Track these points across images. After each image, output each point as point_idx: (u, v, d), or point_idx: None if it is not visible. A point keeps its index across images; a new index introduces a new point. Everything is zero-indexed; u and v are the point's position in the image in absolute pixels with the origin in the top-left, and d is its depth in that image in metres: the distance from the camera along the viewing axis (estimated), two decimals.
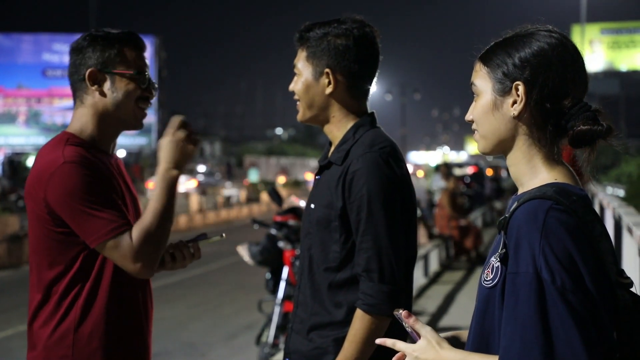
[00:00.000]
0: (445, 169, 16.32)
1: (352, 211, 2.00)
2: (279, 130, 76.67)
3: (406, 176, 2.07)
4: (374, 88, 2.28)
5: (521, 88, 1.43)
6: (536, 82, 1.42)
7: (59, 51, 35.73)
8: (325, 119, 2.14)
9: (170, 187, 2.07)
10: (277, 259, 6.15)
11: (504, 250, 1.36)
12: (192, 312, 8.75)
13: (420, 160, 75.47)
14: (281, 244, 6.10)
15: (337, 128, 2.14)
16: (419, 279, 9.55)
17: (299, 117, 2.18)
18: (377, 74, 2.18)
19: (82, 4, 19.48)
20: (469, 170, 23.94)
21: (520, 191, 1.46)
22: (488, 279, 1.41)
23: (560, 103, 1.42)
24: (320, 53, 2.10)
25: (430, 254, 10.43)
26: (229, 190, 29.68)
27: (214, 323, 8.04)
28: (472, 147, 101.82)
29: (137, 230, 2.00)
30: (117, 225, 1.98)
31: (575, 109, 1.43)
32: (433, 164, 31.71)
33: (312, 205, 2.10)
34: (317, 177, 2.18)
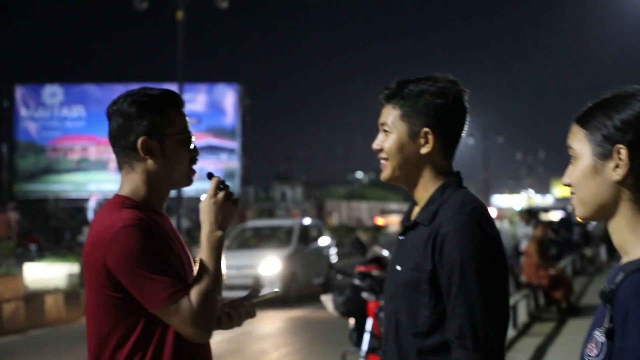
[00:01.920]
0: (526, 215, 15.92)
1: (443, 274, 1.93)
2: (359, 174, 76.84)
3: (498, 238, 2.00)
4: None
5: (624, 152, 1.37)
6: None
7: None
8: (414, 179, 2.10)
9: (217, 248, 2.05)
10: (361, 310, 6.05)
11: (610, 324, 1.30)
12: None
13: (504, 203, 73.92)
14: (365, 294, 6.01)
15: (425, 188, 2.08)
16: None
17: (385, 176, 2.12)
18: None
19: (170, 54, 20.25)
20: (556, 215, 23.21)
21: (624, 260, 1.39)
22: (592, 354, 1.34)
23: None
24: (418, 111, 2.05)
25: (518, 305, 10.08)
26: None
27: None
28: (558, 190, 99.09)
29: (195, 294, 1.98)
30: (176, 289, 1.96)
31: None
32: (517, 207, 30.94)
33: (399, 267, 2.04)
34: (400, 237, 2.12)
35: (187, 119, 2.16)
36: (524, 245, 13.61)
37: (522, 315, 10.41)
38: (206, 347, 2.14)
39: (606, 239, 19.78)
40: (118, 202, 2.08)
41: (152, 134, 2.08)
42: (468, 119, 2.12)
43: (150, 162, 2.10)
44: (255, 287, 2.41)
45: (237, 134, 38.52)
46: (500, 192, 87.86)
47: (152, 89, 2.15)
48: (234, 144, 38.41)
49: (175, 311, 1.95)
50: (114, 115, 2.13)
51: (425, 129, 2.05)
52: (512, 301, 9.75)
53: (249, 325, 10.57)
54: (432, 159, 2.07)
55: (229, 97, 38.61)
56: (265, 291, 2.22)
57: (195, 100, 38.03)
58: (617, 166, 1.37)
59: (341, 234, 31.40)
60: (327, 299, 6.18)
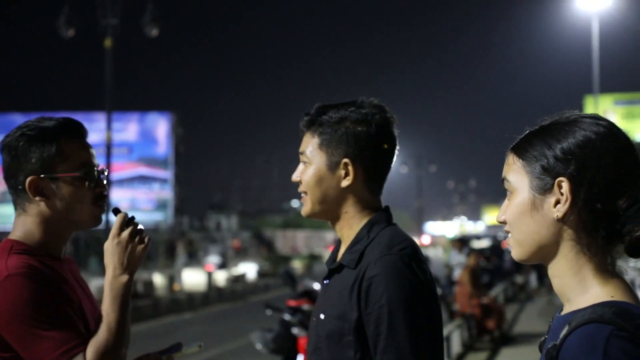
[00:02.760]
0: (459, 243, 16.03)
1: (370, 324, 1.74)
2: (295, 203, 76.75)
3: (430, 281, 1.82)
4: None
5: (565, 185, 1.21)
6: (584, 178, 1.21)
7: None
8: (337, 215, 1.90)
9: (122, 296, 1.83)
10: (291, 347, 5.86)
11: None
12: None
13: (437, 231, 74.91)
14: (295, 330, 5.83)
15: (349, 225, 1.89)
16: None
17: (305, 211, 1.93)
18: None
19: (99, 82, 19.75)
20: (488, 242, 23.54)
21: (566, 309, 1.24)
22: None
23: (614, 203, 1.21)
24: (337, 140, 1.86)
25: (452, 335, 10.05)
26: (244, 266, 29.36)
27: None
28: (489, 217, 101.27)
29: (91, 351, 1.75)
30: (69, 347, 1.73)
31: (632, 210, 1.20)
32: (450, 234, 31.30)
33: (322, 316, 1.84)
34: (325, 281, 1.91)
35: (91, 150, 1.93)
36: (457, 273, 13.65)
37: (456, 346, 10.39)
38: None
39: (536, 266, 20.12)
40: (7, 247, 1.84)
41: (42, 172, 1.86)
42: (396, 149, 1.94)
43: (42, 204, 1.87)
44: (177, 341, 2.15)
45: (170, 163, 37.97)
46: (434, 219, 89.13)
47: (48, 119, 1.91)
48: (167, 174, 37.82)
49: None
50: (3, 151, 1.90)
51: (345, 160, 1.87)
52: (445, 331, 9.72)
53: None
54: (355, 192, 1.88)
55: (161, 126, 38.10)
56: (188, 345, 2.00)
57: (127, 130, 37.37)
58: (557, 202, 1.22)
59: (277, 263, 31.11)
60: (255, 336, 5.97)
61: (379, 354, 1.73)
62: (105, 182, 1.95)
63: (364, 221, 1.87)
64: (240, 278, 26.09)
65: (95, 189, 1.90)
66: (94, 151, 1.94)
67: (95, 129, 33.55)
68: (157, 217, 37.61)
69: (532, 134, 1.29)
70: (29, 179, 1.85)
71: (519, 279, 19.90)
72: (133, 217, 1.90)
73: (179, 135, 40.50)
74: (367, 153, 1.87)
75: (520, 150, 1.28)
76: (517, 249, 1.27)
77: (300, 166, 1.93)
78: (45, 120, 1.91)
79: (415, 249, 1.82)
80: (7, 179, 1.89)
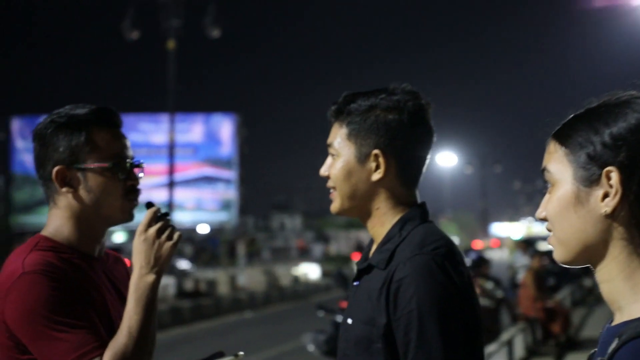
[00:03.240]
0: (524, 245, 15.61)
1: (399, 330, 1.60)
2: None
3: (467, 284, 1.66)
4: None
5: (615, 176, 1.06)
6: (636, 167, 1.06)
7: (143, 130, 36.99)
8: (368, 211, 1.76)
9: (148, 297, 1.70)
10: None
11: None
12: None
13: (503, 232, 73.54)
14: None
15: (381, 223, 1.74)
16: None
17: (334, 208, 1.79)
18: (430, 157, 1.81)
19: (162, 84, 20.13)
20: None
21: (617, 319, 1.08)
22: None
23: None
24: (366, 130, 1.73)
25: (515, 339, 9.75)
26: (306, 266, 29.39)
27: None
28: None
29: (108, 356, 1.63)
30: (84, 351, 1.62)
31: None
32: (516, 236, 30.68)
33: (350, 321, 1.71)
34: (354, 283, 1.78)
35: (124, 141, 1.83)
36: (521, 276, 13.29)
37: (519, 350, 10.09)
38: None
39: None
40: (32, 243, 1.76)
41: (70, 162, 1.77)
42: (433, 138, 1.78)
43: (70, 196, 1.78)
44: (219, 349, 2.04)
45: (234, 163, 38.35)
46: (499, 220, 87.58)
47: (81, 106, 1.82)
48: (231, 174, 38.22)
49: None
50: (34, 139, 1.82)
51: (375, 151, 1.73)
52: (508, 336, 9.45)
53: None
54: (388, 187, 1.74)
55: (225, 127, 38.53)
56: (228, 354, 1.90)
57: (192, 131, 37.94)
58: (606, 195, 1.07)
59: (339, 263, 31.05)
60: (308, 337, 5.88)
61: None
62: (140, 175, 1.85)
63: (397, 218, 1.73)
64: (302, 278, 26.11)
65: (126, 182, 1.80)
66: (127, 142, 1.85)
67: (160, 130, 34.18)
68: (221, 217, 38.04)
69: (577, 118, 1.13)
70: (56, 168, 1.77)
71: (587, 281, 19.28)
72: (166, 213, 1.79)
73: (243, 136, 40.83)
74: (400, 143, 1.73)
75: (563, 137, 1.13)
76: (559, 249, 1.12)
77: (329, 159, 1.80)
78: (77, 107, 1.82)
79: (450, 249, 1.67)
80: (37, 168, 1.82)
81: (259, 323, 16.08)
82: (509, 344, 9.39)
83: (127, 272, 1.92)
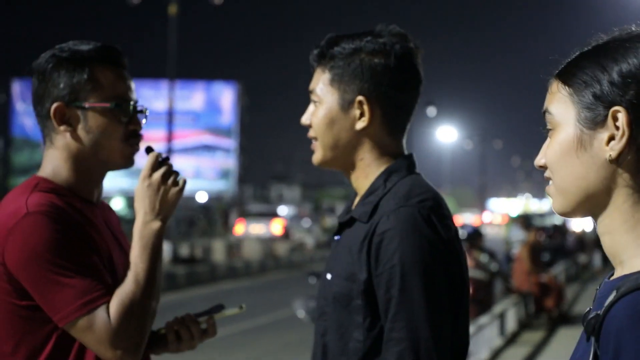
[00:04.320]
0: (524, 220, 15.63)
1: (380, 287, 1.53)
2: None
3: (454, 239, 1.58)
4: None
5: (622, 116, 0.96)
6: None
7: (144, 97, 36.65)
8: (351, 162, 1.67)
9: (153, 245, 1.65)
10: None
11: None
12: None
13: (500, 208, 73.64)
14: None
15: (365, 174, 1.66)
16: (494, 339, 8.93)
17: (316, 159, 1.71)
18: (417, 105, 1.72)
19: (164, 50, 19.97)
20: (551, 221, 22.96)
21: (617, 273, 0.99)
22: None
23: None
24: (350, 75, 1.63)
25: (507, 312, 9.79)
26: (303, 235, 29.46)
27: None
28: None
29: (115, 304, 1.58)
30: (91, 297, 1.56)
31: None
32: (514, 213, 30.69)
33: (329, 276, 1.64)
34: (335, 237, 1.71)
35: (129, 83, 1.74)
36: (517, 250, 13.33)
37: (511, 324, 10.13)
38: None
39: (601, 245, 19.45)
40: (32, 184, 1.66)
41: (70, 100, 1.68)
42: (421, 85, 1.69)
43: (69, 137, 1.69)
44: (219, 302, 2.01)
45: (235, 132, 38.21)
46: (497, 196, 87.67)
47: (85, 42, 1.73)
48: (231, 143, 38.10)
49: (87, 326, 1.55)
50: (33, 74, 1.73)
51: (359, 98, 1.62)
52: (501, 308, 9.48)
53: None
54: (372, 136, 1.65)
55: (226, 96, 38.33)
56: (230, 306, 1.86)
57: (192, 98, 37.77)
58: (611, 138, 0.97)
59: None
60: (298, 304, 5.89)
61: (389, 320, 1.52)
62: (143, 120, 1.77)
63: (382, 169, 1.64)
64: (299, 247, 26.20)
65: (128, 125, 1.72)
66: (132, 84, 1.75)
67: (160, 97, 33.98)
68: (220, 185, 38.01)
69: (583, 56, 1.03)
70: (54, 105, 1.68)
71: (582, 258, 19.34)
72: (167, 157, 1.73)
73: (244, 105, 40.67)
74: (385, 89, 1.63)
75: (567, 75, 1.02)
76: (558, 198, 1.03)
77: (310, 107, 1.70)
78: (82, 43, 1.73)
79: (437, 201, 1.59)
80: (35, 105, 1.74)
81: (254, 290, 16.15)
82: (502, 316, 9.42)
83: (118, 221, 1.89)
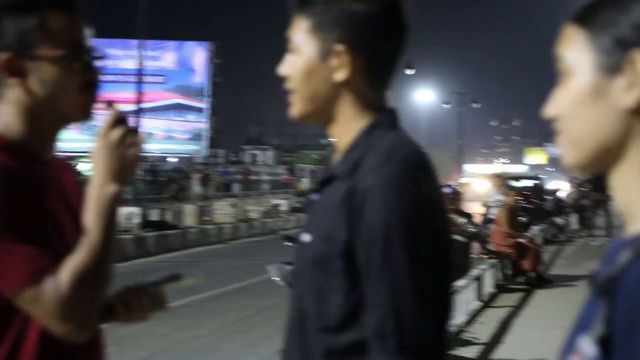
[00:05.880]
0: (499, 180, 15.54)
1: (362, 248, 1.41)
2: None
3: (439, 198, 1.48)
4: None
5: None
6: None
7: (113, 56, 35.98)
8: (331, 116, 1.56)
9: (108, 209, 1.52)
10: None
11: (607, 329, 0.85)
12: (224, 332, 8.32)
13: (477, 172, 74.35)
14: None
15: (346, 129, 1.54)
16: (470, 301, 8.81)
17: (294, 113, 1.59)
18: (403, 57, 1.58)
19: (134, 9, 19.36)
20: (528, 183, 23.00)
21: (631, 230, 0.92)
22: None
23: None
24: (329, 23, 1.52)
25: (485, 274, 9.69)
26: (277, 199, 29.30)
27: (246, 346, 7.56)
28: (532, 159, 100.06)
29: (65, 273, 1.46)
30: (38, 267, 1.45)
31: None
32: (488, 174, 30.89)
33: (306, 238, 1.52)
34: (314, 196, 1.59)
35: (84, 28, 1.63)
36: (494, 212, 13.24)
37: (488, 286, 10.07)
38: (94, 338, 1.59)
39: (578, 207, 19.59)
40: None
41: (19, 50, 1.56)
42: (406, 35, 1.56)
43: (21, 88, 1.58)
44: (175, 272, 1.85)
45: (206, 94, 37.69)
46: (475, 160, 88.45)
47: None
48: (203, 104, 37.62)
49: (35, 297, 1.45)
50: None
51: (339, 47, 1.51)
52: (477, 271, 9.36)
53: None
54: (353, 88, 1.53)
55: (198, 56, 37.76)
56: (186, 276, 1.80)
57: (163, 58, 37.14)
58: (630, 85, 0.90)
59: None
60: (273, 268, 5.63)
61: (370, 284, 1.41)
62: (100, 69, 1.65)
63: (364, 124, 1.53)
64: (272, 212, 26.01)
65: (84, 75, 1.61)
66: (87, 31, 1.64)
67: (131, 57, 33.29)
68: (192, 148, 37.59)
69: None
70: (2, 56, 1.56)
71: (560, 220, 19.42)
72: (128, 116, 1.60)
73: (216, 66, 40.07)
74: (367, 38, 1.51)
75: (583, 18, 0.96)
76: (571, 151, 0.96)
77: (288, 57, 1.57)
78: None
79: (422, 159, 1.49)
80: None
81: (226, 255, 15.95)
82: (479, 279, 9.34)
83: (76, 182, 1.75)
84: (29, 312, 1.48)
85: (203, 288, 10.32)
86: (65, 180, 1.69)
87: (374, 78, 1.54)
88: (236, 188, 37.06)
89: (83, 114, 1.63)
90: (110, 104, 1.60)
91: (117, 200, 1.55)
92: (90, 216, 1.52)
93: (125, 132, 1.56)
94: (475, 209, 11.92)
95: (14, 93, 1.59)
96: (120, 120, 1.57)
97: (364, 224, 1.41)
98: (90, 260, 1.48)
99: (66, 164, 1.74)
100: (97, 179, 1.54)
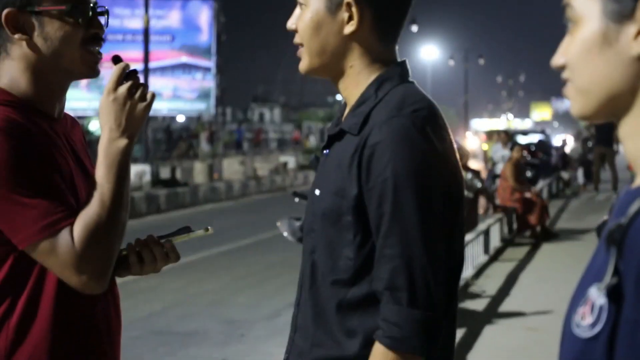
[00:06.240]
0: (505, 136, 15.53)
1: (372, 202, 1.43)
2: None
3: (450, 151, 1.48)
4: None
5: None
6: None
7: (119, 15, 35.72)
8: (340, 69, 1.56)
9: (119, 163, 1.54)
10: None
11: (617, 279, 0.83)
12: (235, 286, 8.44)
13: (483, 128, 74.01)
14: None
15: (355, 83, 1.55)
16: (478, 256, 8.94)
17: (303, 67, 1.59)
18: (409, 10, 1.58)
19: None
20: (535, 138, 22.95)
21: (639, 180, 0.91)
22: (584, 323, 0.85)
23: None
24: None
25: (491, 229, 9.78)
26: (285, 156, 29.35)
27: (257, 299, 7.69)
28: (538, 114, 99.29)
29: (79, 227, 1.48)
30: (53, 219, 1.46)
31: None
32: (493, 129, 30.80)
33: (317, 192, 1.54)
34: (324, 152, 1.59)
35: None
36: (500, 167, 13.27)
37: (495, 240, 10.16)
38: (108, 291, 1.61)
39: (584, 162, 19.57)
40: None
41: (22, 4, 1.56)
42: None
43: (24, 44, 1.58)
44: (186, 224, 1.84)
45: (213, 52, 37.44)
46: (480, 116, 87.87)
47: None
48: (209, 63, 37.39)
49: (50, 250, 1.46)
50: None
51: (348, 0, 1.52)
52: (484, 225, 9.46)
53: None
54: (362, 41, 1.53)
55: (203, 14, 37.39)
56: (196, 229, 1.79)
57: (168, 17, 36.82)
58: None
59: (318, 155, 31.07)
60: (283, 224, 5.74)
61: (381, 237, 1.43)
62: (104, 23, 1.64)
63: (373, 77, 1.53)
64: (281, 169, 26.08)
65: (88, 29, 1.61)
66: None
67: (136, 16, 33.05)
68: (199, 106, 37.48)
69: None
70: (5, 11, 1.56)
71: (565, 174, 19.42)
72: (135, 71, 1.60)
73: (221, 24, 39.72)
74: None
75: None
76: (579, 100, 0.94)
77: (297, 10, 1.58)
78: None
79: (432, 111, 1.49)
80: None
81: (236, 212, 16.09)
82: (486, 233, 9.43)
83: (84, 138, 1.77)
84: (44, 264, 1.50)
85: (214, 243, 10.47)
86: (74, 136, 1.70)
87: (382, 31, 1.53)
88: (246, 146, 37.13)
89: (88, 69, 1.63)
90: (117, 58, 1.60)
91: (127, 154, 1.55)
92: (101, 170, 1.53)
93: (134, 86, 1.56)
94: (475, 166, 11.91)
95: (18, 49, 1.58)
96: (128, 74, 1.58)
97: (373, 178, 1.42)
98: (103, 213, 1.49)
99: (74, 121, 1.75)
100: (107, 133, 1.55)
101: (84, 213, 1.50)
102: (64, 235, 1.46)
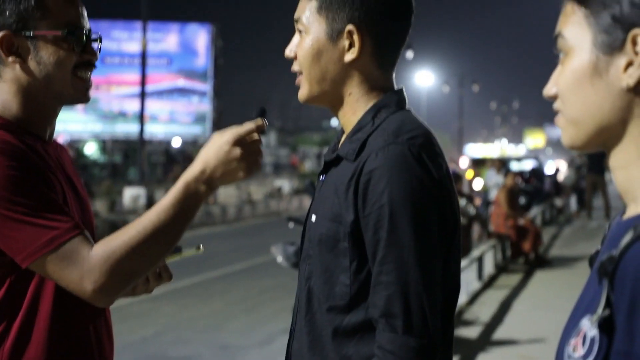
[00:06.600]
0: (498, 163, 15.61)
1: (368, 228, 1.44)
2: (334, 121, 76.33)
3: (446, 178, 1.49)
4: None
5: None
6: None
7: (117, 38, 35.92)
8: (339, 97, 1.56)
9: (190, 204, 1.51)
10: None
11: (609, 311, 0.84)
12: (229, 311, 8.41)
13: (477, 153, 74.30)
14: None
15: (353, 110, 1.55)
16: (472, 282, 8.94)
17: (302, 96, 1.59)
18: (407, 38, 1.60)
19: None
20: (528, 165, 23.05)
21: (631, 211, 0.92)
22: (576, 355, 0.86)
23: None
24: (339, 2, 1.52)
25: (485, 255, 9.80)
26: (280, 180, 29.38)
27: (251, 325, 7.66)
28: (531, 141, 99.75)
29: (101, 250, 1.45)
30: (56, 233, 1.45)
31: None
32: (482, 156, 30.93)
33: (314, 218, 1.54)
34: (321, 177, 1.60)
35: (81, 9, 1.65)
36: (493, 194, 13.33)
37: (489, 267, 10.16)
38: (101, 314, 1.63)
39: (577, 189, 19.65)
40: None
41: (17, 28, 1.57)
42: (412, 14, 1.58)
43: (18, 67, 1.59)
44: (176, 244, 1.68)
45: (209, 76, 37.62)
46: (474, 141, 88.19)
47: None
48: (206, 87, 37.56)
49: (61, 258, 1.44)
50: None
51: (349, 27, 1.51)
52: (478, 252, 9.48)
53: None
54: (362, 69, 1.54)
55: (201, 38, 37.63)
56: (186, 248, 1.77)
57: (166, 40, 37.03)
58: (630, 64, 0.89)
59: (312, 180, 31.11)
60: (277, 249, 5.77)
61: (377, 263, 1.43)
62: (97, 50, 1.66)
63: (370, 104, 1.54)
64: (275, 193, 26.10)
65: (82, 55, 1.62)
66: (84, 11, 1.66)
67: (134, 39, 33.22)
68: (195, 130, 37.60)
69: None
70: (0, 34, 1.57)
71: (559, 201, 19.48)
72: (263, 131, 1.55)
73: (218, 48, 39.93)
74: (377, 18, 1.52)
75: None
76: (570, 130, 0.95)
77: (296, 37, 1.57)
78: None
79: (428, 139, 1.49)
80: None
81: (231, 236, 16.08)
82: (480, 260, 9.44)
83: (72, 162, 1.76)
84: (52, 278, 1.47)
85: (208, 268, 10.48)
86: (64, 159, 1.70)
87: (381, 58, 1.54)
88: None
89: (78, 94, 1.63)
90: (263, 112, 1.56)
91: (200, 200, 1.52)
92: (169, 198, 1.50)
93: (252, 152, 1.52)
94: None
95: (11, 72, 1.59)
96: (257, 134, 1.53)
97: (370, 204, 1.42)
98: (148, 238, 1.46)
99: (60, 145, 1.76)
100: (197, 171, 1.51)
101: (124, 231, 1.48)
102: (74, 245, 1.44)
